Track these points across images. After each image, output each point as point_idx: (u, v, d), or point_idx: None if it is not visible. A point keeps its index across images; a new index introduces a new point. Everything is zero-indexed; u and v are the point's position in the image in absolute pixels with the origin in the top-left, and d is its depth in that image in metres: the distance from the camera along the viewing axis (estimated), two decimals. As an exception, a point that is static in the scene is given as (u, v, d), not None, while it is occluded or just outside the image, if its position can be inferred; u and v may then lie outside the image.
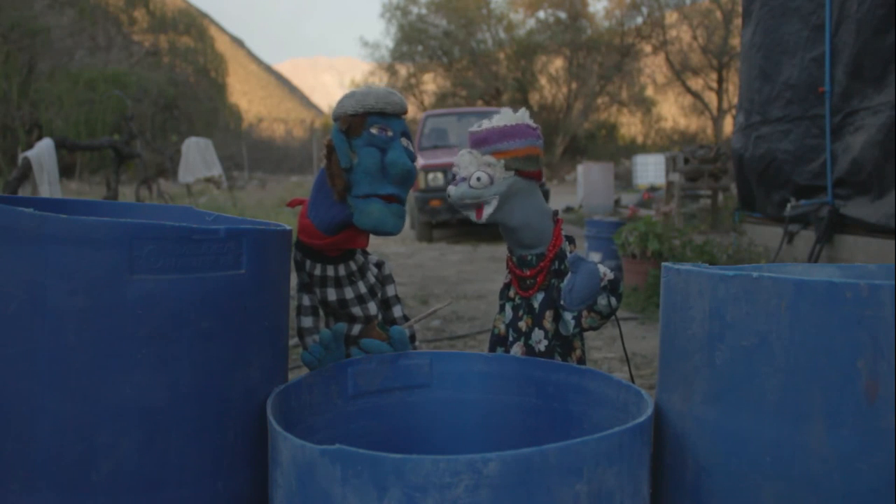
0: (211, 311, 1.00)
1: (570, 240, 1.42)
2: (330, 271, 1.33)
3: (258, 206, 11.94)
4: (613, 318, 1.35)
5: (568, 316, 1.33)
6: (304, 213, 1.33)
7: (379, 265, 1.43)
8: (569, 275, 1.33)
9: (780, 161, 5.34)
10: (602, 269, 1.28)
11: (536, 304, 1.37)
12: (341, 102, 1.27)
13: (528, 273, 1.38)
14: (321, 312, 1.38)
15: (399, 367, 1.26)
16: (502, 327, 1.43)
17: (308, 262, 1.33)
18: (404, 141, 1.28)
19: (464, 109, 11.11)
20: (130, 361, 0.95)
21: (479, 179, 1.31)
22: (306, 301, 1.35)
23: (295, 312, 1.34)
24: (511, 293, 1.42)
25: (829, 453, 0.85)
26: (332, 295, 1.33)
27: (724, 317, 0.93)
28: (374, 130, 1.24)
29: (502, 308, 1.44)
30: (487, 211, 1.32)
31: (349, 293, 1.34)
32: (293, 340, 3.50)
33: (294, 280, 1.34)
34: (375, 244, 8.05)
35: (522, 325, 1.39)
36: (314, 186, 1.32)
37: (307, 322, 1.34)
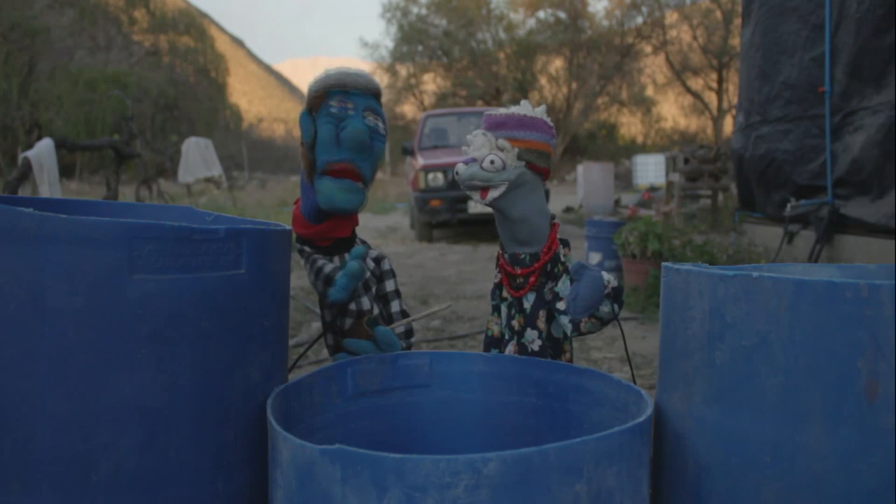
0: (211, 311, 1.00)
1: (566, 243, 1.41)
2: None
3: (258, 206, 11.94)
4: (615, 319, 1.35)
5: (564, 319, 1.33)
6: (297, 203, 1.35)
7: (378, 260, 1.43)
8: (564, 281, 1.33)
9: (780, 161, 5.34)
10: (606, 276, 1.27)
11: (528, 305, 1.37)
12: (309, 85, 1.30)
13: (520, 272, 1.37)
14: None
15: (399, 367, 1.26)
16: (496, 329, 1.42)
17: (307, 249, 1.35)
18: (370, 116, 1.28)
19: (464, 109, 11.11)
20: (130, 361, 0.95)
21: (492, 162, 1.30)
22: (320, 257, 1.34)
23: (314, 275, 1.32)
24: (504, 293, 1.42)
25: (829, 453, 0.85)
26: None
27: (724, 317, 0.93)
28: (333, 105, 1.25)
29: (496, 309, 1.43)
30: (493, 195, 1.31)
31: None
32: (293, 340, 3.50)
33: (294, 281, 1.34)
34: (375, 244, 8.04)
35: (515, 323, 1.38)
36: (301, 177, 1.34)
37: (328, 268, 1.32)
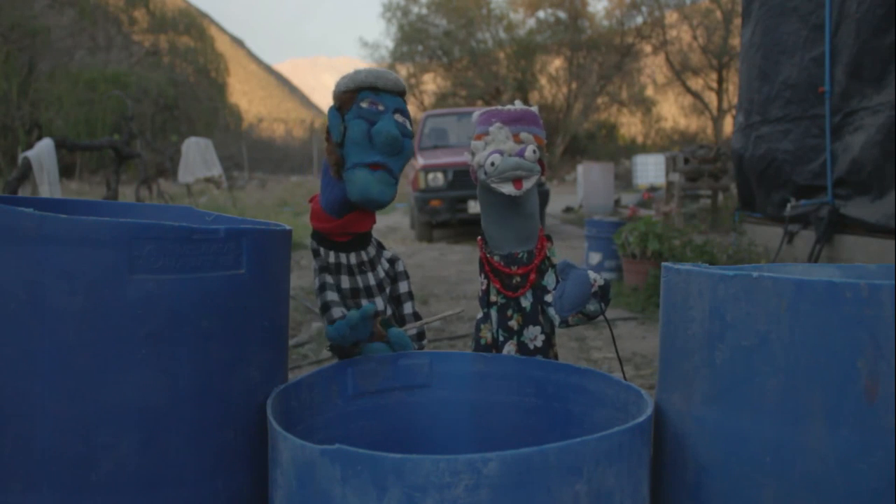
0: (211, 311, 1.00)
1: (549, 238, 1.43)
2: (343, 259, 1.34)
3: (258, 206, 11.94)
4: (604, 321, 1.36)
5: (552, 311, 1.35)
6: (315, 199, 1.35)
7: (392, 261, 1.43)
8: (550, 275, 1.35)
9: (780, 161, 5.34)
10: (592, 275, 1.28)
11: (527, 303, 1.37)
12: (337, 82, 1.31)
13: (519, 271, 1.37)
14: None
15: (399, 367, 1.26)
16: (489, 336, 1.42)
17: (322, 250, 1.34)
18: (399, 117, 1.29)
19: (464, 109, 11.11)
20: (130, 361, 0.95)
21: (534, 152, 1.29)
22: (328, 279, 1.34)
23: (317, 292, 1.33)
24: (493, 297, 1.41)
25: (829, 453, 0.85)
26: (345, 283, 1.33)
27: (724, 317, 0.93)
28: (364, 104, 1.26)
29: (487, 316, 1.42)
30: (526, 185, 1.30)
31: (361, 282, 1.34)
32: (293, 340, 3.50)
33: (294, 281, 1.34)
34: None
35: (513, 324, 1.38)
36: (322, 171, 1.35)
37: (333, 296, 1.32)
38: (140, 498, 0.96)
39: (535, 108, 1.38)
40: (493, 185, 1.30)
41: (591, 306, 1.29)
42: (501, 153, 1.29)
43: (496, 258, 1.39)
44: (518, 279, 1.37)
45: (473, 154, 1.35)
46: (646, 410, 0.95)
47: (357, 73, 1.29)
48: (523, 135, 1.31)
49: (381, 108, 1.27)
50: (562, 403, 1.19)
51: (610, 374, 1.13)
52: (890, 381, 0.81)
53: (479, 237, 1.43)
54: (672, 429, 1.02)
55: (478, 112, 1.39)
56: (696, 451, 0.97)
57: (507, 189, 1.29)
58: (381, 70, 1.29)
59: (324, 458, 0.81)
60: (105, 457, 0.94)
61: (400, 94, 1.31)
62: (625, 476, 0.86)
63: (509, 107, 1.36)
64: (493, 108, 1.37)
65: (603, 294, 1.29)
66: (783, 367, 0.87)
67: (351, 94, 1.27)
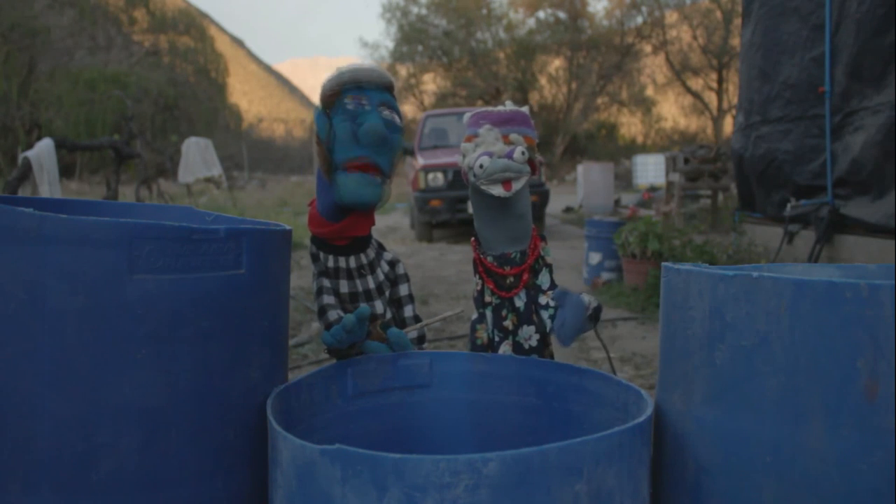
0: (211, 311, 1.00)
1: (543, 237, 1.44)
2: (342, 263, 1.33)
3: (258, 206, 11.95)
4: (604, 322, 1.38)
5: (545, 314, 1.35)
6: (313, 203, 1.35)
7: (392, 263, 1.43)
8: (544, 274, 1.37)
9: (780, 161, 5.34)
10: (587, 298, 1.30)
11: (521, 303, 1.38)
12: (322, 84, 1.30)
13: (511, 271, 1.37)
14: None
15: (399, 367, 1.26)
16: (485, 336, 1.43)
17: (321, 254, 1.34)
18: (386, 111, 1.28)
19: (464, 109, 11.10)
20: (130, 361, 0.95)
21: (522, 153, 1.30)
22: (326, 283, 1.34)
23: (315, 295, 1.34)
24: (487, 298, 1.41)
25: (829, 453, 0.85)
26: (344, 287, 1.33)
27: (724, 317, 0.93)
28: (348, 102, 1.25)
29: (483, 317, 1.43)
30: (516, 186, 1.30)
31: (360, 286, 1.34)
32: (293, 340, 3.50)
33: (294, 281, 1.34)
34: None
35: (508, 324, 1.38)
36: (316, 176, 1.34)
37: (329, 299, 1.32)
38: (140, 498, 0.97)
39: (525, 109, 1.38)
40: (483, 187, 1.31)
41: (587, 326, 1.32)
42: (490, 155, 1.30)
43: (489, 259, 1.39)
44: (511, 279, 1.37)
45: (464, 156, 1.35)
46: (646, 410, 0.95)
47: (340, 72, 1.27)
48: (513, 136, 1.32)
49: (365, 104, 1.26)
50: (562, 403, 1.19)
51: (610, 374, 1.13)
52: (890, 381, 0.81)
53: (473, 238, 1.44)
54: (672, 429, 1.02)
55: (468, 114, 1.40)
56: (696, 451, 0.97)
57: (497, 190, 1.30)
58: (363, 66, 1.28)
59: (324, 458, 0.81)
60: (105, 457, 0.94)
61: (386, 87, 1.30)
62: (625, 476, 0.86)
63: (499, 108, 1.36)
64: (484, 109, 1.37)
65: (595, 316, 1.33)
66: (783, 367, 0.87)
67: (335, 94, 1.27)
